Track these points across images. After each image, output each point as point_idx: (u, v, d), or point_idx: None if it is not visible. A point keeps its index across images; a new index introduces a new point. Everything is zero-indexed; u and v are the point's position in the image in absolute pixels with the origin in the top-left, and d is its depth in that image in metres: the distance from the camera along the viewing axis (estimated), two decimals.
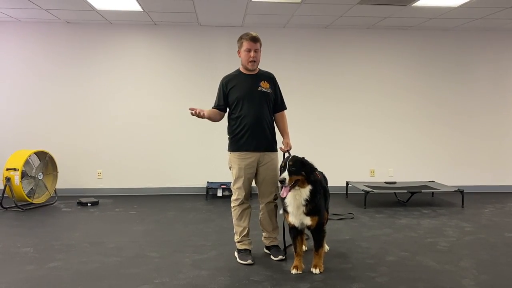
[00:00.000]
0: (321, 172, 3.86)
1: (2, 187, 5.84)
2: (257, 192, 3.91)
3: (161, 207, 6.03)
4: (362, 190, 6.08)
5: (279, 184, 3.39)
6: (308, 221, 3.41)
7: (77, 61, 6.82)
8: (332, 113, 7.16)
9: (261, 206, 3.88)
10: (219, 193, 6.64)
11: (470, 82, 7.31)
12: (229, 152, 3.84)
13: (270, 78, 3.87)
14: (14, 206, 5.73)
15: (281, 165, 3.49)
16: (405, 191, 6.27)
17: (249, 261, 3.66)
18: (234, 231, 3.87)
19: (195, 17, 6.35)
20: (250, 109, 3.71)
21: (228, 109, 3.85)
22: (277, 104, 3.90)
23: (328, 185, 3.84)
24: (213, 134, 6.30)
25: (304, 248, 3.72)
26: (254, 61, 3.73)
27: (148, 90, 6.95)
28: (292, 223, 3.46)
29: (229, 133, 3.84)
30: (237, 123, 3.75)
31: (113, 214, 5.63)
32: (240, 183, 3.75)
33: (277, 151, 3.88)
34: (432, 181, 6.87)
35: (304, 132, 7.03)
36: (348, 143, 7.19)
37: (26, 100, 6.76)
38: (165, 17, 6.41)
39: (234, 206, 3.83)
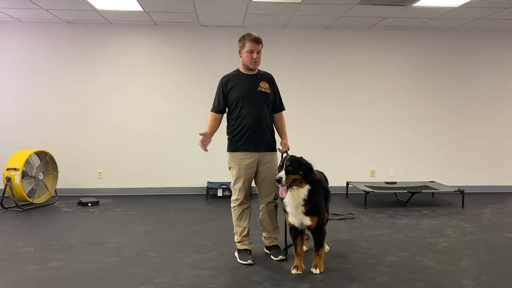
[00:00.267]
0: (322, 172, 3.86)
1: (3, 187, 5.85)
2: (257, 192, 3.91)
3: (161, 207, 6.03)
4: (363, 190, 6.08)
5: (277, 184, 3.39)
6: (307, 221, 3.41)
7: (77, 61, 6.83)
8: (332, 113, 7.16)
9: (261, 206, 3.88)
10: (219, 193, 6.64)
11: (471, 83, 7.31)
12: (228, 152, 3.83)
13: (269, 79, 3.87)
14: (15, 206, 5.74)
15: (279, 164, 3.49)
16: (406, 191, 6.27)
17: (249, 261, 3.66)
18: (234, 231, 3.87)
19: (195, 17, 6.35)
20: (250, 109, 3.71)
21: (227, 109, 3.85)
22: (276, 104, 3.91)
23: (329, 185, 3.83)
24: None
25: (304, 248, 3.72)
26: (256, 62, 3.74)
27: (148, 90, 6.95)
28: (292, 223, 3.47)
29: (228, 133, 3.83)
30: (236, 123, 3.75)
31: (114, 214, 5.63)
32: (240, 183, 3.75)
33: (276, 151, 3.88)
34: (433, 181, 6.87)
35: (304, 132, 7.03)
36: (348, 143, 7.19)
37: (27, 100, 6.77)
38: (166, 17, 6.41)
39: (234, 206, 3.83)
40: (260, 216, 3.91)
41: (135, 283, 3.24)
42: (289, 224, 3.51)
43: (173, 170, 7.01)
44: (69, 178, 6.71)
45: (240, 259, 3.72)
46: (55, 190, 6.35)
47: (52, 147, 6.41)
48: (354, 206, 6.07)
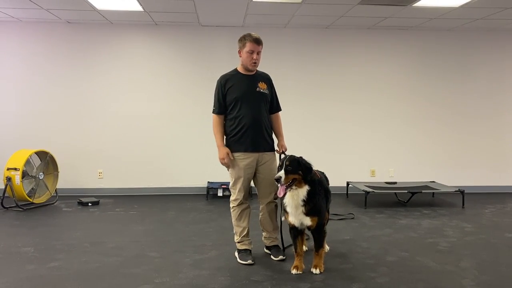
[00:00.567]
0: (323, 173, 3.87)
1: (3, 187, 5.85)
2: (257, 193, 3.91)
3: (162, 207, 6.03)
4: (363, 190, 6.08)
5: (276, 183, 3.39)
6: (308, 221, 3.41)
7: (77, 61, 6.83)
8: (333, 113, 7.16)
9: (261, 206, 3.88)
10: (220, 193, 6.64)
11: (471, 82, 7.31)
12: None
13: (267, 79, 3.88)
14: (15, 206, 5.74)
15: (278, 164, 3.50)
16: (406, 191, 6.27)
17: (249, 261, 3.66)
18: (234, 232, 3.87)
19: (195, 17, 6.36)
20: (248, 109, 3.71)
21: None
22: (273, 105, 3.92)
23: (329, 185, 3.83)
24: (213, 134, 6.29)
25: (304, 248, 3.72)
26: (256, 63, 3.74)
27: (148, 90, 6.95)
28: (292, 223, 3.47)
29: (227, 133, 3.82)
30: (235, 124, 3.74)
31: (114, 214, 5.64)
32: (239, 184, 3.75)
33: (275, 151, 3.90)
34: (433, 182, 6.87)
35: (304, 132, 7.04)
36: (348, 143, 7.19)
37: (27, 100, 6.77)
38: (166, 17, 6.41)
39: (233, 206, 3.84)
40: (260, 216, 3.91)
41: (135, 283, 3.24)
42: (289, 224, 3.51)
43: (174, 170, 7.01)
44: (69, 178, 6.72)
45: (240, 259, 3.72)
46: (56, 190, 6.35)
47: (52, 147, 6.42)
48: (354, 206, 6.07)
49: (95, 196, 6.42)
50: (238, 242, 3.82)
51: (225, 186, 6.57)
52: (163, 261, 3.74)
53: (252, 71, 3.79)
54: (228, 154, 3.71)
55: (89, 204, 6.08)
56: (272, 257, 3.82)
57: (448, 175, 7.17)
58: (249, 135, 3.71)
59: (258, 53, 3.70)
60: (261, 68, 3.90)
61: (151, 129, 6.96)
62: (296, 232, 3.52)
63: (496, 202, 6.44)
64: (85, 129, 6.88)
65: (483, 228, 4.90)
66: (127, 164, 6.94)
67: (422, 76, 7.25)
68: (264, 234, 3.94)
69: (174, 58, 6.99)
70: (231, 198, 3.85)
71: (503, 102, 7.36)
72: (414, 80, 7.24)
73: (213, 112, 3.83)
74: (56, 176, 6.36)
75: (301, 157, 3.43)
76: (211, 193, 6.72)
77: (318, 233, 3.48)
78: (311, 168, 3.43)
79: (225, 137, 3.83)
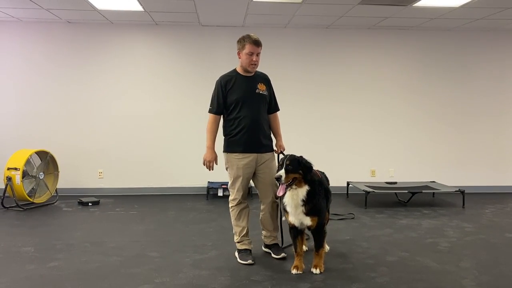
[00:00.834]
0: (323, 173, 3.87)
1: (3, 187, 5.85)
2: (257, 193, 3.92)
3: (162, 207, 6.03)
4: (363, 190, 6.08)
5: (276, 182, 3.40)
6: (308, 221, 3.41)
7: (78, 61, 6.83)
8: (333, 113, 7.16)
9: (262, 206, 3.88)
10: (220, 193, 6.65)
11: (471, 82, 7.31)
12: (225, 153, 3.83)
13: (266, 80, 3.89)
14: (15, 206, 5.74)
15: (279, 163, 3.50)
16: (406, 191, 6.27)
17: (250, 261, 3.66)
18: (234, 231, 3.87)
19: (196, 17, 6.36)
20: (248, 111, 3.72)
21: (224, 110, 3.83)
22: (271, 105, 3.93)
23: (329, 185, 3.83)
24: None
25: (304, 248, 3.73)
26: (255, 65, 3.75)
27: (149, 90, 6.96)
28: (292, 222, 3.47)
29: (226, 133, 3.83)
30: (235, 124, 3.74)
31: (114, 213, 5.64)
32: (238, 183, 3.76)
33: (274, 151, 3.92)
34: (433, 182, 6.87)
35: (305, 132, 7.04)
36: (349, 143, 7.19)
37: (27, 100, 6.77)
38: (166, 17, 6.41)
39: (232, 206, 3.84)
40: (261, 215, 3.91)
41: (136, 283, 3.25)
42: (289, 223, 3.52)
43: (174, 170, 7.01)
44: (69, 178, 6.72)
45: (240, 259, 3.72)
46: (56, 190, 6.35)
47: (52, 146, 6.42)
48: (354, 206, 6.07)
49: (95, 196, 6.42)
50: (238, 242, 3.83)
51: (225, 186, 6.56)
52: (163, 261, 3.74)
53: (251, 72, 3.80)
54: (215, 159, 3.76)
55: (90, 204, 6.08)
56: (273, 255, 3.83)
57: (449, 175, 7.17)
58: (248, 136, 3.72)
59: (258, 54, 3.71)
60: (261, 68, 3.89)
61: (151, 129, 6.96)
62: (296, 232, 3.52)
63: (496, 202, 6.43)
64: (85, 129, 6.88)
65: (483, 228, 4.90)
66: (127, 164, 6.94)
67: (423, 75, 7.25)
68: (264, 232, 3.95)
69: (174, 58, 6.99)
70: (230, 197, 3.86)
71: (503, 102, 7.35)
72: (414, 79, 7.24)
73: (210, 112, 3.81)
74: (57, 176, 6.36)
75: (301, 157, 3.44)
76: (211, 193, 6.72)
77: (318, 233, 3.48)
78: (311, 167, 3.43)
79: (224, 137, 3.84)
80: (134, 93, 6.93)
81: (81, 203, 6.09)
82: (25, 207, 5.77)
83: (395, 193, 6.58)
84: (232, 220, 3.87)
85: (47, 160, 6.20)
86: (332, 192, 3.78)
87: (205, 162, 3.78)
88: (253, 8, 5.86)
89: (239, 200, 3.79)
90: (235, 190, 3.78)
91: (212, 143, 3.79)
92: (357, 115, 7.18)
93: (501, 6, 5.75)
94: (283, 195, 3.38)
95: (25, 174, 5.84)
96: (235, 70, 3.85)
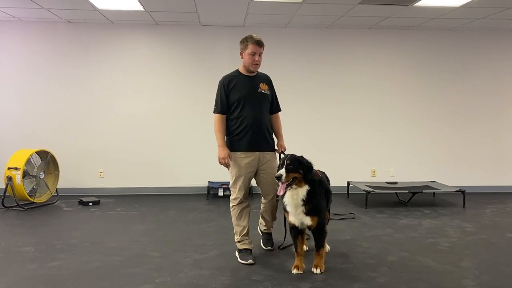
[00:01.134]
0: (324, 172, 3.88)
1: (4, 186, 5.85)
2: (258, 192, 3.94)
3: (162, 206, 6.03)
4: (363, 190, 6.08)
5: (277, 181, 3.41)
6: (308, 221, 3.41)
7: (78, 61, 6.83)
8: (333, 113, 7.16)
9: (264, 201, 3.97)
10: (220, 193, 6.65)
11: (472, 82, 7.31)
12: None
13: (267, 80, 3.93)
14: (16, 205, 5.75)
15: (279, 163, 3.51)
16: (407, 191, 6.27)
17: (250, 261, 3.67)
18: (234, 231, 3.88)
19: (196, 16, 6.36)
20: (251, 110, 3.74)
21: None
22: (273, 106, 3.97)
23: (330, 185, 3.83)
24: (214, 134, 6.29)
25: (305, 248, 3.73)
26: (257, 65, 3.78)
27: (149, 90, 6.96)
28: (292, 222, 3.47)
29: (228, 133, 3.83)
30: (237, 123, 3.76)
31: (114, 213, 5.64)
32: (239, 182, 3.77)
33: (275, 151, 3.95)
34: (434, 181, 6.87)
35: (305, 132, 7.04)
36: (349, 143, 7.19)
37: (28, 99, 6.77)
38: (167, 16, 6.41)
39: (233, 205, 3.86)
40: (261, 208, 4.02)
41: (136, 283, 3.25)
42: (290, 223, 3.52)
43: (174, 170, 7.01)
44: (70, 178, 6.72)
45: (240, 259, 3.73)
46: (56, 190, 6.35)
47: (53, 146, 6.42)
48: (355, 206, 6.07)
49: (95, 196, 6.42)
50: (238, 242, 3.83)
51: (225, 186, 6.57)
52: (164, 261, 3.74)
53: (253, 72, 3.82)
54: (229, 155, 3.72)
55: (90, 203, 6.08)
56: (261, 244, 4.05)
57: (449, 175, 7.16)
58: (250, 135, 3.74)
59: (260, 54, 3.75)
60: (262, 68, 3.90)
61: (151, 128, 6.97)
62: (297, 232, 3.52)
63: (497, 202, 6.43)
64: (86, 128, 6.88)
65: (483, 228, 4.90)
66: (127, 164, 6.94)
67: (423, 75, 7.24)
68: (261, 221, 4.09)
69: (175, 58, 6.99)
70: (231, 197, 3.87)
71: (503, 102, 7.35)
72: (414, 79, 7.24)
73: (215, 112, 3.83)
74: (57, 176, 6.36)
75: (302, 156, 3.44)
76: (211, 192, 6.72)
77: (319, 233, 3.48)
78: (312, 167, 3.43)
79: (226, 136, 3.84)
80: (135, 92, 6.93)
81: (82, 203, 6.09)
82: (25, 207, 5.78)
83: (396, 193, 6.58)
84: (232, 220, 3.89)
85: (48, 160, 6.20)
86: (332, 192, 3.78)
87: (220, 159, 3.77)
88: (253, 8, 5.86)
89: (240, 199, 3.80)
90: (237, 190, 3.79)
91: (223, 141, 3.79)
92: (357, 115, 7.18)
93: (501, 6, 5.75)
94: (284, 194, 3.38)
95: (25, 174, 5.84)
96: (237, 70, 3.88)
